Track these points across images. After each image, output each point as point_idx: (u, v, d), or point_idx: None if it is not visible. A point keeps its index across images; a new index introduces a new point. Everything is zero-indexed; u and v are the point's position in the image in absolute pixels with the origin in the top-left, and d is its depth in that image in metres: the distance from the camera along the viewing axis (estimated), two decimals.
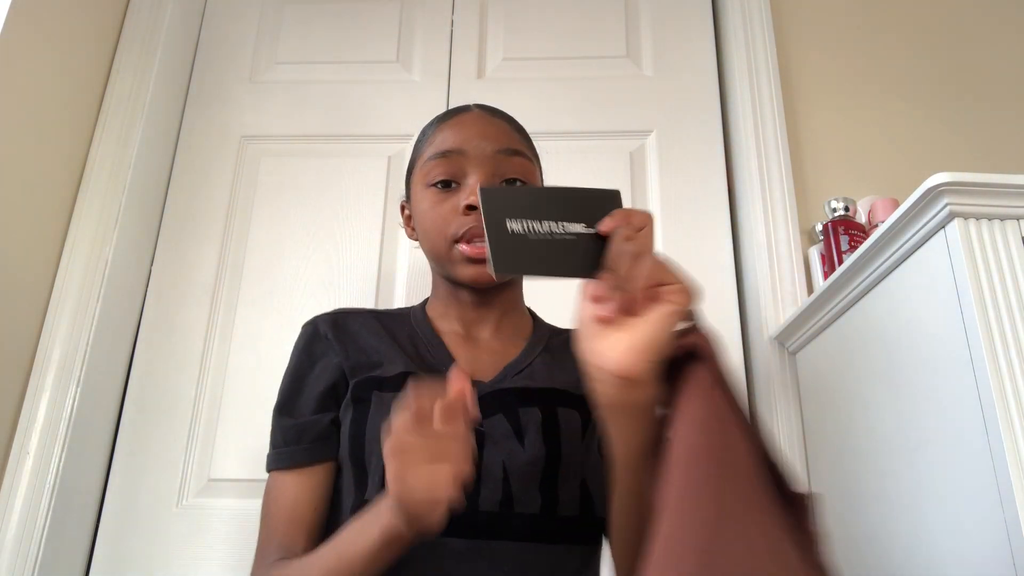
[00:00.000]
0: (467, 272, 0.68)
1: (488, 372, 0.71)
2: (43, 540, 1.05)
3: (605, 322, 0.46)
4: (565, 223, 0.48)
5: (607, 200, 0.50)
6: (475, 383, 0.69)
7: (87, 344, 1.15)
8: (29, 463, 1.08)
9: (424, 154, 0.74)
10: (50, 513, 1.06)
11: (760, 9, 1.39)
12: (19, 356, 1.12)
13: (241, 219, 1.34)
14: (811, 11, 1.43)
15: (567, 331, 0.79)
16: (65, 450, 1.09)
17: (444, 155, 0.71)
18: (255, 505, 0.70)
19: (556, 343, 0.77)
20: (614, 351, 0.46)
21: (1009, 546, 0.61)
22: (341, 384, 0.69)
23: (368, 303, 1.26)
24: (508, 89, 1.41)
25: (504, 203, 0.47)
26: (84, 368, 1.14)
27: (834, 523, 0.99)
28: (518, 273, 0.49)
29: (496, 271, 0.47)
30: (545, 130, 1.29)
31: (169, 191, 1.37)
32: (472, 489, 0.62)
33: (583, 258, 0.48)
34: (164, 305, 1.28)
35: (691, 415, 0.44)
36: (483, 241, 0.59)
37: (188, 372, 1.23)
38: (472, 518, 0.62)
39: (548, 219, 0.47)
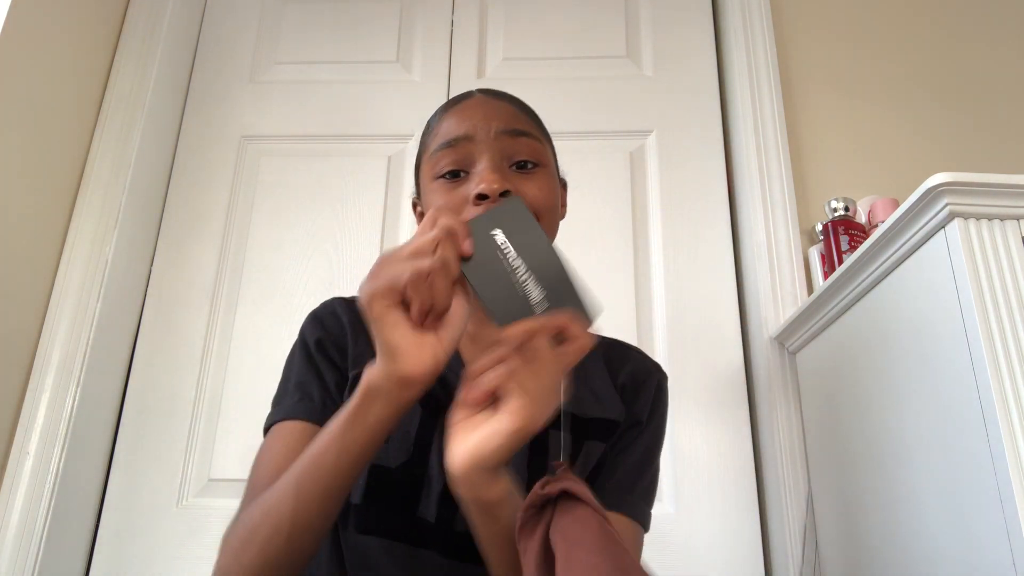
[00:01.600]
0: None
1: None
2: (43, 540, 1.05)
3: (467, 407, 0.48)
4: (533, 280, 0.46)
5: (579, 314, 0.46)
6: None
7: (87, 344, 1.15)
8: (29, 463, 1.08)
9: (430, 146, 0.71)
10: (50, 513, 1.06)
11: (760, 9, 1.39)
12: (19, 356, 1.12)
13: (241, 219, 1.34)
14: (811, 11, 1.43)
15: (604, 339, 0.75)
16: (65, 450, 1.09)
17: (450, 144, 0.68)
18: None
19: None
20: (453, 453, 0.48)
21: (1009, 546, 0.61)
22: (344, 366, 0.68)
23: None
24: (508, 89, 1.38)
25: (513, 222, 0.47)
26: (84, 368, 1.14)
27: (834, 522, 0.99)
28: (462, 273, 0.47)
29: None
30: None
31: (169, 191, 1.37)
32: (448, 507, 0.61)
33: (508, 312, 0.45)
34: (164, 305, 1.28)
35: (588, 542, 0.44)
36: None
37: (188, 372, 1.23)
38: (447, 537, 0.61)
39: (527, 264, 0.46)
